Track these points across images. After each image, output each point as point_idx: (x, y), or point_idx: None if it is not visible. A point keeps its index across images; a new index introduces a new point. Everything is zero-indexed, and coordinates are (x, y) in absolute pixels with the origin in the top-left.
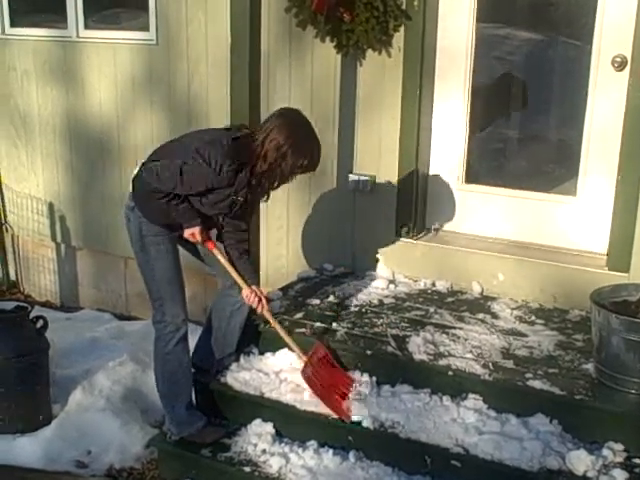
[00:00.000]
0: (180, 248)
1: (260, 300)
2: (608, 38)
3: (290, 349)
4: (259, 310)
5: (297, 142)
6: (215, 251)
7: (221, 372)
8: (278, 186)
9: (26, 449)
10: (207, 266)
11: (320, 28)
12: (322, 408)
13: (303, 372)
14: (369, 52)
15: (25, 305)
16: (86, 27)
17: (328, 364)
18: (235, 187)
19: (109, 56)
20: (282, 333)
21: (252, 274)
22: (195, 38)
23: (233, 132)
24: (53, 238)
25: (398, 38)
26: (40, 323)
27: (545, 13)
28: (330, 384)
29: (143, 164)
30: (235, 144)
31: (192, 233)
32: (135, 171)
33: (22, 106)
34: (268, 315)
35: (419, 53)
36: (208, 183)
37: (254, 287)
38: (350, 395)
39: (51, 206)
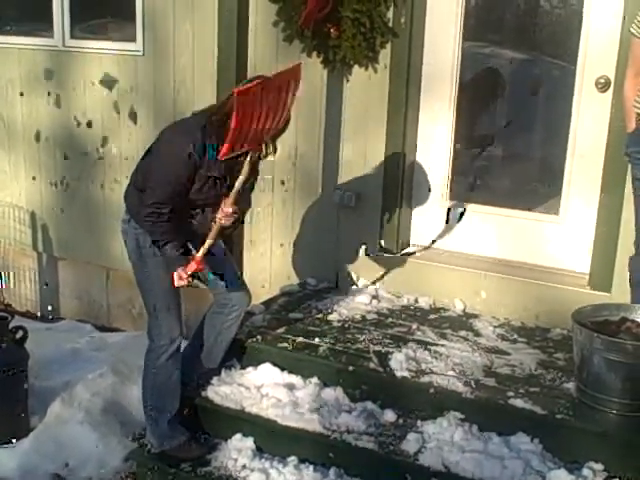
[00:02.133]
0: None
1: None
2: (592, 59)
3: None
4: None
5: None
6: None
7: (202, 386)
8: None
9: (2, 461)
10: (200, 283)
11: (307, 43)
12: None
13: None
14: (355, 68)
15: (5, 315)
16: (72, 36)
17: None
18: (206, 166)
19: (95, 66)
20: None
21: None
22: (182, 50)
23: (196, 117)
24: (35, 247)
25: (385, 55)
26: (20, 334)
27: (530, 33)
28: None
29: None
30: (191, 124)
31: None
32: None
33: (6, 114)
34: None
35: (405, 70)
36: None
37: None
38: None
39: (33, 215)
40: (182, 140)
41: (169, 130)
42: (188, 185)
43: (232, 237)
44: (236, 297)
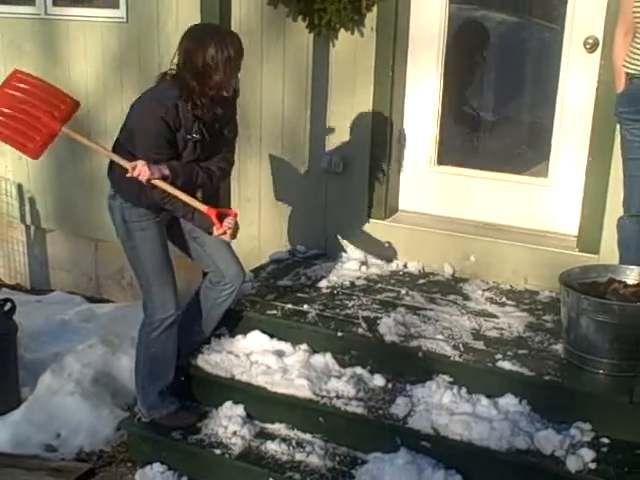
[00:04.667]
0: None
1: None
2: (580, 19)
3: None
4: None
5: (205, 41)
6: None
7: (192, 354)
8: (220, 89)
9: None
10: (192, 258)
11: (292, 7)
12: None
13: None
14: (342, 32)
15: None
16: (55, 4)
17: None
18: (184, 128)
19: (79, 34)
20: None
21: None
22: (166, 16)
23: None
24: (22, 220)
25: (371, 18)
26: (8, 306)
27: None
28: None
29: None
30: (158, 91)
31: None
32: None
33: None
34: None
35: (392, 33)
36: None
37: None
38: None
39: (20, 187)
40: (152, 108)
41: (138, 103)
42: (172, 151)
43: (219, 199)
44: (230, 274)
